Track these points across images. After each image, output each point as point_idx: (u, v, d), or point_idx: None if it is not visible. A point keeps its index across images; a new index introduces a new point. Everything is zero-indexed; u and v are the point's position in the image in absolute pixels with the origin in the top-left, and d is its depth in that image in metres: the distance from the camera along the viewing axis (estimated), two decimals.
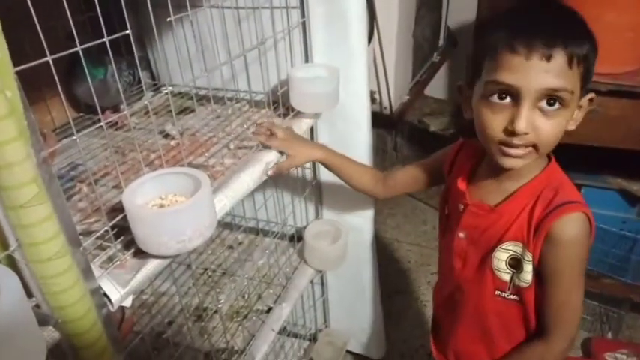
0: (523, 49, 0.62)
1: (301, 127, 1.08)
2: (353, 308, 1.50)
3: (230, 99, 1.18)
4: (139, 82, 1.31)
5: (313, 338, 1.53)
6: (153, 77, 1.32)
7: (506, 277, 0.76)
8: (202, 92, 1.20)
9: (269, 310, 1.15)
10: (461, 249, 0.81)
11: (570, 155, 1.84)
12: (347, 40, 1.08)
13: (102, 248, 0.68)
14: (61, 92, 0.58)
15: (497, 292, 0.78)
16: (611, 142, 1.34)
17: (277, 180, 1.31)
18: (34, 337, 0.44)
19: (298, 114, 1.09)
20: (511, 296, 0.77)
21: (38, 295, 0.53)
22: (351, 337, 1.52)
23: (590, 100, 0.69)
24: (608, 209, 1.78)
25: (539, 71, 0.62)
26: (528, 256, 0.72)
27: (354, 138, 1.21)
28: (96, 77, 1.05)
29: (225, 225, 1.44)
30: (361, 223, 1.30)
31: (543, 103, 0.64)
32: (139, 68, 1.24)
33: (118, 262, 0.66)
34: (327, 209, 1.34)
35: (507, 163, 0.68)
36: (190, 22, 0.84)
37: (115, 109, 1.14)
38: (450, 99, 2.53)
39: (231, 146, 0.98)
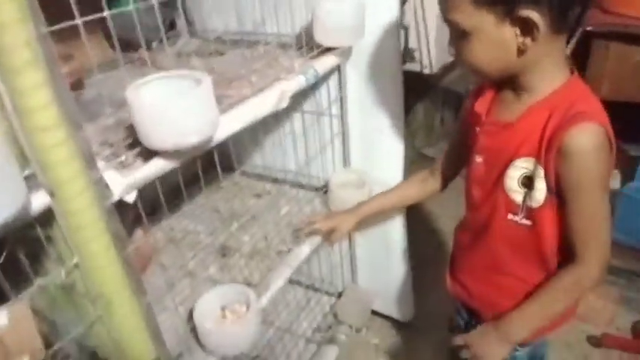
0: None
1: (329, 64, 1.06)
2: (381, 268, 1.47)
3: (258, 42, 1.18)
4: (175, 26, 1.36)
5: (339, 295, 1.51)
6: (188, 23, 1.36)
7: (519, 197, 0.73)
8: (234, 37, 1.23)
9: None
10: (479, 175, 0.79)
11: (627, 126, 1.72)
12: None
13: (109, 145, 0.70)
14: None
15: (510, 217, 0.75)
16: None
17: (306, 132, 1.30)
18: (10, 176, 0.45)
19: (324, 52, 1.07)
20: (524, 220, 0.74)
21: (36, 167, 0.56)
22: (378, 296, 1.49)
23: (523, 22, 0.63)
24: None
25: (441, 2, 0.68)
26: (540, 172, 0.69)
27: (382, 84, 1.18)
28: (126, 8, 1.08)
29: (255, 175, 1.46)
30: (389, 176, 1.27)
31: (452, 31, 0.69)
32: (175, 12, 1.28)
33: (123, 158, 0.68)
34: (355, 162, 1.32)
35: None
36: None
37: (148, 47, 1.18)
38: None
39: (253, 79, 0.99)
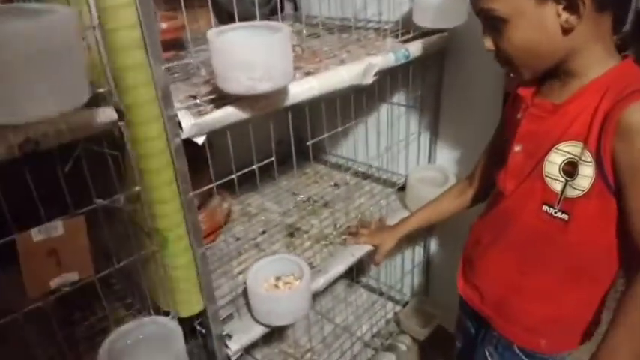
0: None
1: (420, 48, 1.01)
2: (454, 284, 1.36)
3: (358, 28, 1.17)
4: (283, 10, 1.40)
5: (405, 304, 1.43)
6: (295, 8, 1.39)
7: (558, 186, 0.65)
8: (336, 22, 1.23)
9: None
10: (515, 165, 0.72)
11: None
12: None
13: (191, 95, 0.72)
14: None
15: (545, 208, 0.67)
16: None
17: (394, 125, 1.26)
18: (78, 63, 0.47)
19: (420, 37, 1.03)
20: (559, 214, 0.65)
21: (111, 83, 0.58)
22: (447, 312, 1.38)
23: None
24: None
25: None
26: (587, 157, 0.62)
27: (481, 79, 1.10)
28: None
29: (337, 166, 1.44)
30: None
31: (487, 22, 0.65)
32: None
33: (198, 101, 0.69)
34: (442, 159, 1.25)
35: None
36: None
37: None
38: None
39: (343, 56, 0.97)
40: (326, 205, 1.27)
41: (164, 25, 0.87)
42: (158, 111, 0.61)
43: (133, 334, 0.72)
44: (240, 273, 1.01)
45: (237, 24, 0.69)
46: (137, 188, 0.64)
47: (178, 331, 0.71)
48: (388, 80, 1.08)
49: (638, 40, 1.18)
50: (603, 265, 0.68)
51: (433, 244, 1.37)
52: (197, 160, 0.72)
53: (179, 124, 0.65)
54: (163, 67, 0.62)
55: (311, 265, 1.02)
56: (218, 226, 1.11)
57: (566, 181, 0.64)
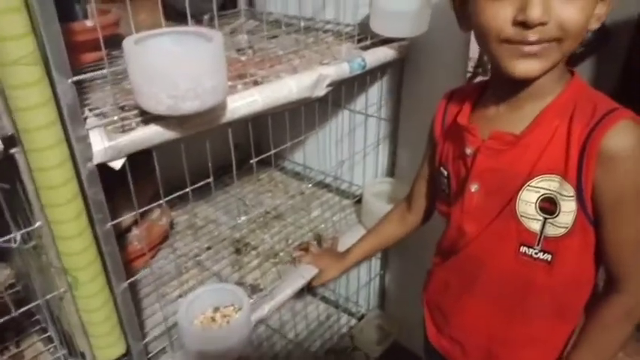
0: None
1: (381, 57, 0.94)
2: (413, 296, 1.31)
3: (315, 29, 1.09)
4: (236, 5, 1.30)
5: (361, 318, 1.37)
6: (250, 3, 1.29)
7: (536, 225, 0.58)
8: (292, 22, 1.14)
9: None
10: (474, 207, 0.64)
11: None
12: None
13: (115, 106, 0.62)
14: None
15: (523, 249, 0.60)
16: None
17: (352, 134, 1.19)
18: None
19: (379, 44, 0.95)
20: (540, 255, 0.59)
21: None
22: (403, 328, 1.33)
23: None
24: None
25: None
26: (568, 190, 0.55)
27: (443, 88, 1.03)
28: None
29: (294, 173, 1.37)
30: None
31: None
32: None
33: (115, 118, 0.59)
34: (401, 171, 1.19)
35: (521, 67, 0.53)
36: None
37: (199, 21, 1.12)
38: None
39: (296, 62, 0.89)
40: (279, 217, 1.19)
41: (88, 24, 0.76)
42: (60, 135, 0.52)
43: None
44: (179, 296, 0.93)
45: (162, 30, 0.59)
46: (38, 224, 0.55)
47: None
48: (342, 89, 1.01)
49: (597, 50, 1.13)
50: (588, 296, 0.63)
51: (391, 258, 1.32)
52: (139, 167, 0.63)
53: (90, 147, 0.56)
54: (70, 81, 0.53)
55: (257, 289, 0.94)
56: (156, 242, 1.02)
57: (545, 218, 0.58)
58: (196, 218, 1.20)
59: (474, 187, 0.63)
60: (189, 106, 0.55)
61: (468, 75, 1.24)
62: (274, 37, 1.10)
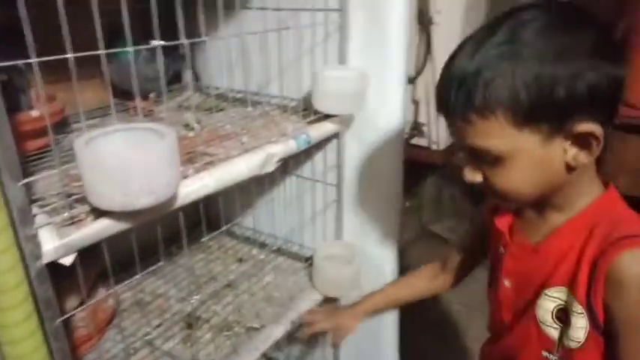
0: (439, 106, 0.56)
1: (325, 132, 1.00)
2: (366, 353, 1.33)
3: (261, 103, 1.15)
4: (181, 80, 1.33)
5: None
6: (196, 78, 1.33)
7: (554, 333, 0.61)
8: (238, 96, 1.19)
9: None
10: (508, 300, 0.68)
11: None
12: (384, 46, 1.01)
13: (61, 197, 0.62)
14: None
15: (545, 354, 0.63)
16: None
17: (300, 198, 1.23)
18: None
19: (323, 118, 1.01)
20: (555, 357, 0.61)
21: None
22: None
23: (581, 137, 0.52)
24: None
25: (459, 129, 0.55)
26: (576, 307, 0.57)
27: (383, 156, 1.11)
28: (125, 58, 1.05)
29: (243, 238, 1.37)
30: (383, 253, 1.17)
31: (475, 158, 0.56)
32: (183, 66, 1.26)
33: (66, 215, 0.60)
34: (349, 234, 1.23)
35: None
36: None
37: (145, 98, 1.14)
38: None
39: (244, 139, 0.92)
40: (230, 285, 1.18)
41: (34, 114, 0.76)
42: (11, 239, 0.52)
43: None
44: None
45: (113, 127, 0.61)
46: None
47: None
48: (290, 158, 1.05)
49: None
50: None
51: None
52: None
53: (39, 246, 0.56)
54: (21, 184, 0.53)
55: None
56: (103, 325, 0.98)
57: (562, 328, 0.60)
58: (143, 293, 1.17)
59: (506, 283, 0.67)
60: (143, 202, 0.56)
61: (406, 137, 1.33)
62: (221, 110, 1.14)
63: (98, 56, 0.59)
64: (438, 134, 1.55)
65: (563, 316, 0.59)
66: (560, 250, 0.59)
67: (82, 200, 0.62)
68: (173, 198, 0.66)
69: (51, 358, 0.60)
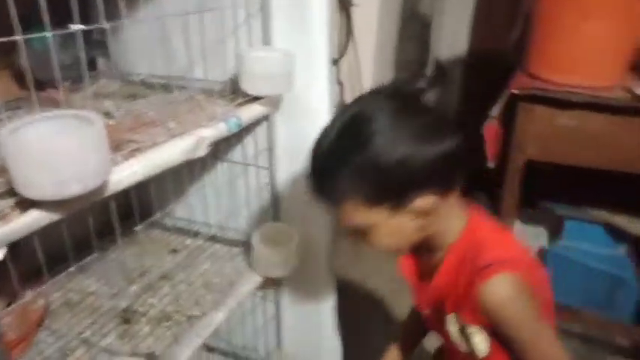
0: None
1: (255, 114, 1.00)
2: (309, 333, 1.36)
3: (185, 87, 1.11)
4: (96, 67, 1.26)
5: None
6: (111, 64, 1.26)
7: (464, 347, 0.70)
8: (160, 81, 1.15)
9: None
10: (431, 320, 0.78)
11: (553, 185, 1.78)
12: (308, 27, 1.03)
13: None
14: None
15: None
16: (588, 161, 1.26)
17: (233, 183, 1.22)
18: None
19: (251, 101, 1.01)
20: None
21: None
22: None
23: (416, 210, 0.64)
24: (592, 244, 1.68)
25: (331, 210, 0.68)
26: (470, 327, 0.67)
27: (313, 135, 1.13)
28: (38, 46, 0.98)
29: (175, 229, 1.34)
30: (319, 232, 1.20)
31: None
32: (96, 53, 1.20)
33: None
34: (285, 217, 1.24)
35: None
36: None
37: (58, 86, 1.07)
38: None
39: (171, 125, 0.90)
40: (165, 277, 1.16)
41: None
42: None
43: None
44: None
45: (38, 115, 0.58)
46: None
47: None
48: (220, 143, 1.04)
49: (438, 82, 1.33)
50: None
51: (284, 298, 1.35)
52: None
53: None
54: None
55: (153, 356, 0.91)
56: (33, 327, 0.93)
57: (468, 344, 0.68)
58: (73, 292, 1.11)
59: (425, 310, 0.77)
60: (74, 190, 0.54)
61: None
62: (143, 97, 1.10)
63: (4, 46, 0.55)
64: None
65: (463, 333, 0.68)
66: (445, 284, 0.69)
67: (9, 193, 0.58)
68: (104, 186, 0.64)
69: None
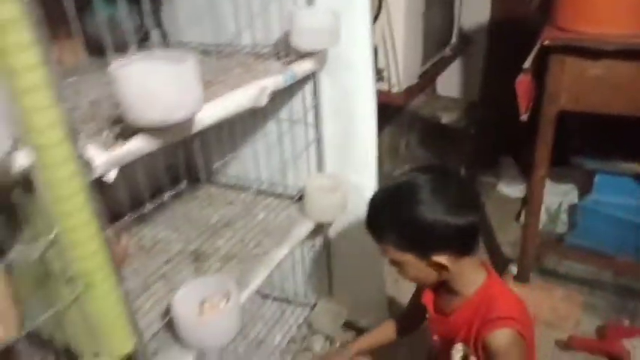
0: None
1: (305, 69, 1.10)
2: (356, 280, 1.47)
3: (235, 53, 1.21)
4: (148, 38, 1.37)
5: (313, 307, 1.50)
6: (164, 36, 1.37)
7: None
8: (210, 49, 1.25)
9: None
10: (437, 346, 0.99)
11: (584, 141, 1.82)
12: None
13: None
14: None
15: None
16: (619, 109, 1.31)
17: (281, 140, 1.33)
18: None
19: (299, 58, 1.11)
20: None
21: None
22: (352, 308, 1.48)
23: (436, 264, 0.84)
24: (623, 196, 1.73)
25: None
26: (470, 357, 0.86)
27: (356, 92, 1.22)
28: (102, 13, 1.08)
29: (229, 186, 1.46)
30: (364, 181, 1.30)
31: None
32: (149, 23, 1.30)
33: (105, 135, 0.67)
34: (330, 168, 1.34)
35: None
36: None
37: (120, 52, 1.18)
38: (462, 97, 2.53)
39: (231, 81, 1.00)
40: (226, 225, 1.28)
41: None
42: (69, 151, 0.59)
43: None
44: (152, 308, 0.98)
45: (138, 55, 0.69)
46: (54, 233, 0.61)
47: None
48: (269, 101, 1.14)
49: (462, 52, 1.44)
50: None
51: (335, 247, 1.46)
52: None
53: (89, 162, 0.63)
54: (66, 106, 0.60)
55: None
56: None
57: None
58: (144, 240, 1.24)
59: (435, 337, 0.98)
60: (179, 115, 0.65)
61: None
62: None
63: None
64: (398, 77, 1.68)
65: (465, 359, 0.89)
66: (461, 320, 0.89)
67: (120, 121, 0.69)
68: (193, 120, 0.75)
69: (106, 259, 0.68)
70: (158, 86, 0.62)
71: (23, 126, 0.54)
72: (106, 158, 0.64)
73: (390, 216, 0.84)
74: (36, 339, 0.81)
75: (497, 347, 0.82)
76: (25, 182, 0.57)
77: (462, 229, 0.81)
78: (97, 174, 0.64)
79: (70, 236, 0.62)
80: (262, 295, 1.54)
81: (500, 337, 0.82)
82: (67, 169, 0.59)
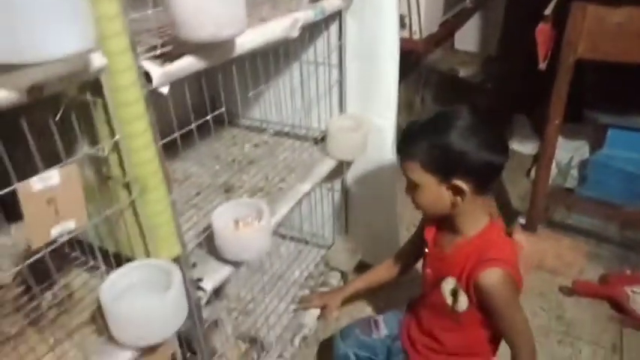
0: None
1: (332, 5, 1.13)
2: (371, 222, 1.54)
3: None
4: None
5: (330, 247, 1.57)
6: None
7: (450, 301, 0.96)
8: None
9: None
10: (429, 278, 1.04)
11: (598, 93, 1.85)
12: None
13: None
14: None
15: (445, 309, 0.98)
16: (638, 57, 1.34)
17: (304, 82, 1.36)
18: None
19: None
20: (451, 314, 0.97)
21: None
22: (367, 247, 1.56)
23: (455, 188, 0.87)
24: (634, 151, 1.77)
25: (402, 165, 0.93)
26: (460, 291, 0.93)
27: (380, 34, 1.25)
28: None
29: (253, 128, 1.51)
30: (384, 121, 1.34)
31: (409, 182, 0.93)
32: None
33: (158, 52, 0.72)
34: (351, 110, 1.39)
35: None
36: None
37: None
38: (480, 52, 2.54)
39: (263, 14, 1.04)
40: (251, 162, 1.34)
41: None
42: (131, 60, 0.64)
43: (127, 279, 0.75)
44: (189, 229, 1.05)
45: None
46: (117, 137, 0.66)
47: (175, 268, 0.75)
48: (291, 43, 1.17)
49: (483, 4, 1.47)
50: (489, 342, 1.01)
51: (351, 190, 1.52)
52: None
53: (147, 74, 0.68)
54: (129, 18, 0.65)
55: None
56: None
57: (453, 300, 0.95)
58: (175, 174, 1.30)
59: (428, 270, 1.04)
60: (228, 32, 0.69)
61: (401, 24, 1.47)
62: None
63: None
64: (420, 24, 1.70)
65: (454, 293, 0.95)
66: (458, 258, 0.94)
67: (166, 43, 0.74)
68: (234, 42, 0.79)
69: (159, 167, 0.74)
70: (210, 3, 0.66)
71: (97, 31, 0.59)
72: (161, 72, 0.69)
73: (426, 135, 0.87)
74: (88, 247, 0.88)
75: (488, 285, 0.87)
76: (95, 85, 0.62)
77: (489, 164, 0.85)
78: (153, 85, 0.69)
79: (129, 143, 0.67)
80: (280, 235, 1.62)
81: (492, 275, 0.87)
82: (129, 77, 0.64)
